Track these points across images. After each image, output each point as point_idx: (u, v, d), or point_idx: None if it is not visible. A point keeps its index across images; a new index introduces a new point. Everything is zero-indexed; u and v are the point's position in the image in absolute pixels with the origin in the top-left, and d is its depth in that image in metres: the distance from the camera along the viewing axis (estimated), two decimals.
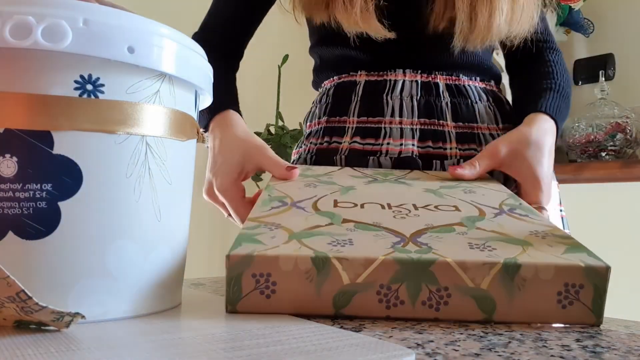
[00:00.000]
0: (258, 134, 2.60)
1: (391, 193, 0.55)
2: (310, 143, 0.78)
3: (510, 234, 0.44)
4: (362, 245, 0.41)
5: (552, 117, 0.67)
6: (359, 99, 0.74)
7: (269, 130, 2.50)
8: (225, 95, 0.73)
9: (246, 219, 0.46)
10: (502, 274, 0.39)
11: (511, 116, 0.75)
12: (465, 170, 0.62)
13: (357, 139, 0.72)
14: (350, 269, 0.38)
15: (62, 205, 0.34)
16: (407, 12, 0.71)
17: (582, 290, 0.39)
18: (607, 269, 0.39)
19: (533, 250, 0.41)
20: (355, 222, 0.45)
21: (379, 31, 0.67)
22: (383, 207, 0.50)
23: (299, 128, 2.10)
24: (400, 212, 0.49)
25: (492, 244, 0.42)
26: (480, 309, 0.39)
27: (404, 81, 0.73)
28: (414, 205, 0.51)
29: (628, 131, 1.73)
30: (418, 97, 0.72)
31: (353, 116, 0.74)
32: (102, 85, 0.35)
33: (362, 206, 0.50)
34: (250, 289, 0.38)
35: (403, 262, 0.38)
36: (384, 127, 0.71)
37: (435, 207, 0.51)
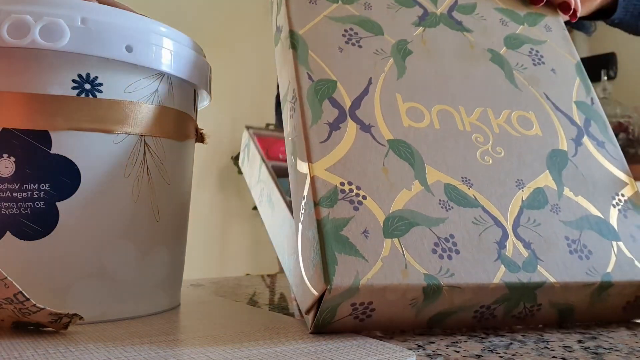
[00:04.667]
0: None
1: (454, 70, 0.44)
2: None
3: (596, 212, 0.40)
4: (470, 254, 0.35)
5: None
6: None
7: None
8: None
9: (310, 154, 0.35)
10: (595, 291, 0.38)
11: None
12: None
13: None
14: (460, 296, 0.35)
15: (60, 205, 0.34)
16: None
17: None
18: None
19: (621, 253, 0.39)
20: (442, 178, 0.37)
21: None
22: (459, 120, 0.40)
23: None
24: (482, 135, 0.40)
25: (586, 240, 0.39)
26: (560, 317, 0.39)
27: None
28: (492, 112, 0.42)
29: (630, 131, 1.72)
30: None
31: None
32: (100, 84, 0.35)
33: (435, 122, 0.40)
34: (344, 315, 0.34)
35: (513, 286, 0.35)
36: None
37: (514, 116, 0.42)
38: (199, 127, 0.45)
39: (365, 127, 0.38)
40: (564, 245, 0.38)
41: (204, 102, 0.48)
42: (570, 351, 0.32)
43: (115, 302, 0.36)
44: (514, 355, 0.31)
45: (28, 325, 0.32)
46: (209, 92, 0.45)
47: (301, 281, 0.35)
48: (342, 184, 0.35)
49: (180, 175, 0.41)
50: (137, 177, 0.37)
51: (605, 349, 0.33)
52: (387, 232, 0.34)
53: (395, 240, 0.34)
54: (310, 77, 0.39)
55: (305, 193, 0.35)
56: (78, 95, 0.34)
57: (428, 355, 0.31)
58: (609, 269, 0.38)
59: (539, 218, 0.38)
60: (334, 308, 0.32)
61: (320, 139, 0.36)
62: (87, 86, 0.34)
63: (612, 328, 0.40)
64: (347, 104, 0.38)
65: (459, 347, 0.33)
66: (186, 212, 0.43)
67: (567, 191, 0.41)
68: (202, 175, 2.56)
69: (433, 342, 0.34)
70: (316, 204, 0.34)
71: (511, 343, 0.34)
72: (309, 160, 0.35)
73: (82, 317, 0.31)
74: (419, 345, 0.33)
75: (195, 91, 0.43)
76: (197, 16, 2.44)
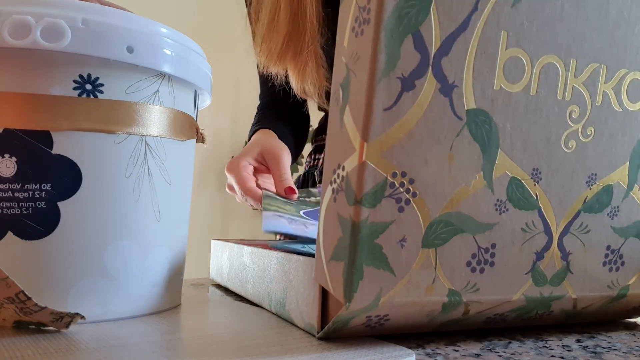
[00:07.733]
0: None
1: (588, 5, 0.31)
2: (305, 162, 0.90)
3: None
4: (504, 267, 0.31)
5: None
6: None
7: None
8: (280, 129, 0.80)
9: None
10: (607, 301, 0.37)
11: None
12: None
13: None
14: (477, 307, 0.32)
15: (62, 205, 0.34)
16: None
17: None
18: None
19: None
20: (511, 170, 0.30)
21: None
22: (563, 81, 0.31)
23: None
24: (580, 107, 0.31)
25: (626, 249, 0.35)
26: (566, 318, 0.38)
27: None
28: (605, 72, 0.32)
29: None
30: None
31: None
32: (102, 85, 0.35)
33: (534, 82, 0.30)
34: (356, 325, 0.31)
35: (532, 299, 0.33)
36: None
37: (628, 79, 0.33)
38: (199, 127, 0.45)
39: (447, 88, 0.27)
40: (602, 256, 0.35)
41: (204, 103, 0.48)
42: (568, 350, 0.32)
43: (116, 301, 0.36)
44: (513, 354, 0.31)
45: (29, 325, 0.32)
46: (210, 93, 0.45)
47: (311, 285, 0.33)
48: (394, 174, 0.27)
49: (181, 175, 0.41)
50: (138, 177, 0.37)
51: (603, 348, 0.33)
52: (426, 241, 0.29)
53: (432, 250, 0.29)
54: None
55: (344, 180, 0.28)
56: (79, 95, 0.34)
57: (427, 354, 0.31)
58: (631, 282, 0.36)
59: (592, 223, 0.34)
60: (347, 320, 0.30)
61: (385, 104, 0.26)
62: (88, 87, 0.35)
63: (611, 327, 0.40)
64: (434, 45, 0.26)
65: (458, 346, 0.33)
66: (187, 212, 0.43)
67: (636, 190, 0.35)
68: (202, 175, 2.56)
69: (432, 341, 0.34)
70: (357, 202, 0.26)
71: (510, 342, 0.34)
72: (364, 137, 0.26)
73: (83, 317, 0.31)
74: (418, 344, 0.33)
75: (195, 92, 0.44)
76: (197, 16, 2.44)
